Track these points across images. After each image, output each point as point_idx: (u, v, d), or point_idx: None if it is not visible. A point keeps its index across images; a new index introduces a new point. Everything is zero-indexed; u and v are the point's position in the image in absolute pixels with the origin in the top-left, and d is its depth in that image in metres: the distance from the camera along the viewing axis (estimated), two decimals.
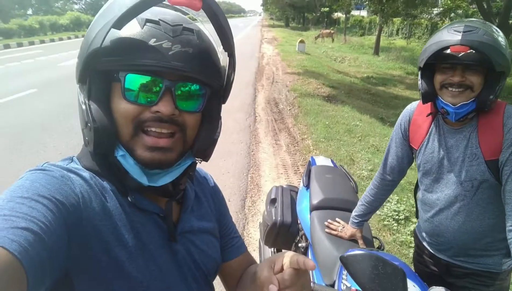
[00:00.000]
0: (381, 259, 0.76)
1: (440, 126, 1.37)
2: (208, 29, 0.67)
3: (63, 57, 14.33)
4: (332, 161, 2.37)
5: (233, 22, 61.88)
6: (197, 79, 0.62)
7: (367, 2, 17.52)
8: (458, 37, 1.15)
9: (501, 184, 1.23)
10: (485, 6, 9.26)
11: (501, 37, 1.15)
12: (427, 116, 1.39)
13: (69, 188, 0.56)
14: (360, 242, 1.66)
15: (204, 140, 0.68)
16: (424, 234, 1.56)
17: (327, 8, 34.33)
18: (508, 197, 1.20)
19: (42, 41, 21.96)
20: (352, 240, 1.67)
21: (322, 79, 10.49)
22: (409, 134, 1.48)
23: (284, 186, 2.25)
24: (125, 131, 0.61)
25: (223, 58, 0.69)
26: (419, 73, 1.33)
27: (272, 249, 2.21)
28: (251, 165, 4.69)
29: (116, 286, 0.58)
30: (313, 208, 1.87)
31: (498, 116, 1.23)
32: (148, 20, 0.59)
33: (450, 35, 1.18)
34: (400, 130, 1.52)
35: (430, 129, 1.40)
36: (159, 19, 0.60)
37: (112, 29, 0.56)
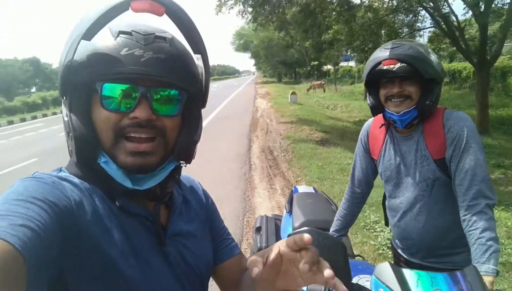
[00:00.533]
0: (322, 233, 0.85)
1: (393, 135, 1.51)
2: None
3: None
4: (314, 189, 2.47)
5: (228, 82, 64.67)
6: (171, 84, 0.64)
7: (352, 53, 18.59)
8: (386, 53, 1.33)
9: (451, 180, 1.34)
10: (463, 46, 9.83)
11: (425, 50, 1.33)
12: (380, 127, 1.53)
13: (60, 192, 0.57)
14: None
15: (183, 142, 0.70)
16: (397, 241, 1.63)
17: (317, 62, 36.15)
18: (458, 190, 1.30)
19: (45, 115, 23.06)
20: None
21: (315, 126, 10.81)
22: (369, 147, 1.62)
23: (269, 216, 2.33)
24: (106, 139, 0.63)
25: (199, 64, 0.71)
26: (367, 90, 1.51)
27: None
28: (247, 209, 4.73)
29: (110, 286, 0.59)
30: (295, 230, 1.94)
31: (438, 120, 1.38)
32: (121, 32, 0.62)
33: (381, 52, 1.36)
34: (361, 145, 1.65)
35: (385, 140, 1.54)
36: (131, 30, 0.62)
37: (86, 42, 0.59)
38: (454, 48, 12.93)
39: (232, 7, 11.30)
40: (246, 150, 8.30)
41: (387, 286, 0.89)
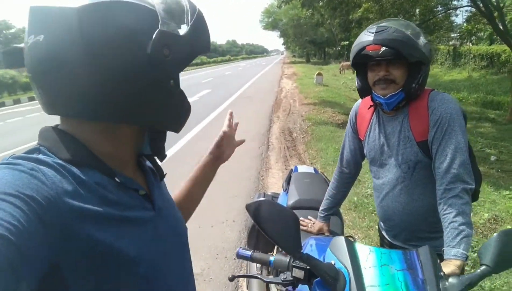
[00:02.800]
0: (277, 204, 0.90)
1: (380, 116, 1.51)
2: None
3: None
4: (314, 169, 2.49)
5: (256, 61, 64.11)
6: None
7: None
8: (370, 38, 1.32)
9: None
10: (501, 28, 9.26)
11: (412, 31, 1.31)
12: (368, 108, 1.54)
13: (39, 181, 0.51)
14: (327, 234, 1.76)
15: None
16: (381, 223, 1.66)
17: (347, 42, 35.04)
18: (436, 173, 1.30)
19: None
20: (320, 233, 1.78)
21: (338, 108, 10.65)
22: (357, 127, 1.63)
23: (268, 193, 2.39)
24: None
25: None
26: (355, 72, 1.51)
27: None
28: (259, 188, 4.82)
29: (108, 269, 0.57)
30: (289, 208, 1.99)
31: (423, 101, 1.37)
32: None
33: (365, 37, 1.35)
34: (350, 125, 1.67)
35: (371, 120, 1.55)
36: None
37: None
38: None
39: None
40: (266, 130, 8.35)
41: (338, 258, 0.94)
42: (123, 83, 0.59)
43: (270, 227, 0.88)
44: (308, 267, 0.99)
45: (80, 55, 0.56)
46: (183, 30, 0.64)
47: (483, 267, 0.88)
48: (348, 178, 1.76)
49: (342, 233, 1.87)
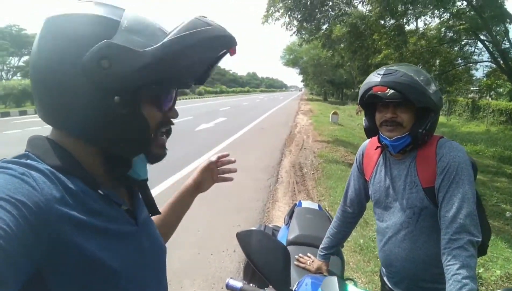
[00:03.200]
0: (268, 236, 0.89)
1: (387, 158, 1.51)
2: None
3: None
4: (319, 206, 2.46)
5: (274, 95, 65.14)
6: None
7: None
8: (378, 79, 1.34)
9: None
10: None
11: (422, 78, 1.32)
12: (375, 149, 1.54)
13: (30, 186, 0.51)
14: (325, 274, 1.70)
15: None
16: (383, 268, 1.60)
17: None
18: (442, 222, 1.27)
19: None
20: (319, 273, 1.72)
21: (351, 148, 10.60)
22: (363, 167, 1.62)
23: (269, 225, 2.35)
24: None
25: None
26: (364, 112, 1.53)
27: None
28: (264, 220, 4.75)
29: (91, 278, 0.58)
30: (288, 243, 1.95)
31: (432, 148, 1.36)
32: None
33: (373, 78, 1.38)
34: (356, 165, 1.66)
35: (378, 161, 1.54)
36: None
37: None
38: None
39: (278, 19, 11.37)
40: (277, 163, 8.33)
41: None
42: (63, 92, 0.59)
43: (259, 258, 0.86)
44: None
45: (35, 63, 0.60)
46: (148, 47, 0.58)
47: None
48: (351, 217, 1.72)
49: (341, 274, 1.81)
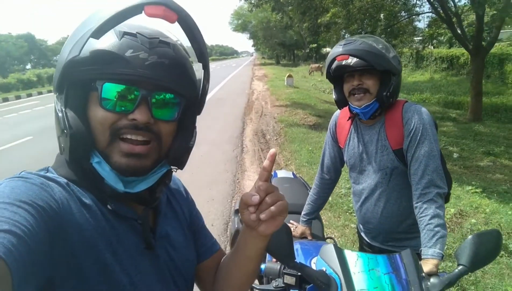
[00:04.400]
0: None
1: (358, 125, 1.60)
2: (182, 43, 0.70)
3: None
4: (293, 173, 2.56)
5: (226, 63, 63.95)
6: (172, 89, 0.65)
7: (348, 35, 18.41)
8: (340, 49, 1.43)
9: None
10: (459, 32, 9.82)
11: (381, 45, 1.41)
12: (347, 120, 1.62)
13: (49, 195, 0.55)
14: (309, 238, 1.82)
15: (178, 149, 0.70)
16: (360, 225, 1.74)
17: (315, 44, 35.77)
18: (412, 179, 1.40)
19: (40, 93, 22.85)
20: (303, 237, 1.84)
21: (309, 110, 10.86)
22: (337, 136, 1.71)
23: None
24: (101, 139, 0.63)
25: (198, 71, 0.72)
26: (333, 85, 1.60)
27: None
28: (236, 191, 4.85)
29: (100, 290, 0.59)
30: None
31: (398, 112, 1.47)
32: (125, 33, 0.62)
33: (335, 49, 1.46)
34: (330, 134, 1.75)
35: (350, 129, 1.63)
36: (136, 32, 0.63)
37: (90, 40, 0.58)
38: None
39: None
40: (240, 133, 8.37)
41: (329, 265, 1.00)
42: None
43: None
44: (299, 274, 1.04)
45: None
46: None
47: (460, 267, 0.97)
48: (329, 183, 1.83)
49: (323, 236, 1.94)
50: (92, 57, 0.60)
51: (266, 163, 0.66)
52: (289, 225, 1.89)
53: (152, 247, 0.69)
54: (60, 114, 0.62)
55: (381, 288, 0.93)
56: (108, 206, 0.64)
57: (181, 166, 0.72)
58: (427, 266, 1.21)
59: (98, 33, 0.58)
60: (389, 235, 1.61)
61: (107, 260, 0.60)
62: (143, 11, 0.58)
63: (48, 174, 0.62)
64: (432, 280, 0.97)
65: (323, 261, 1.02)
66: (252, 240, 0.72)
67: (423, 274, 1.00)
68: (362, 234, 1.76)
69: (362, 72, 1.43)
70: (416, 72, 23.22)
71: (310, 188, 2.32)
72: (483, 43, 9.84)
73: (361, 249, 1.82)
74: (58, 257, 0.53)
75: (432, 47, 21.41)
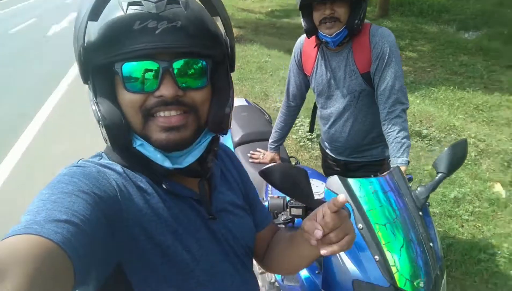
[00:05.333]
0: (287, 166, 0.95)
1: (324, 52, 1.62)
2: None
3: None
4: (246, 100, 2.56)
5: None
6: (193, 52, 0.60)
7: None
8: None
9: (374, 90, 1.54)
10: None
11: None
12: (314, 47, 1.61)
13: (106, 182, 0.56)
14: (279, 162, 1.92)
15: (217, 114, 0.66)
16: (326, 143, 1.89)
17: None
18: (379, 99, 1.52)
19: None
20: (273, 162, 1.92)
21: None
22: (302, 64, 1.72)
23: None
24: (136, 121, 0.61)
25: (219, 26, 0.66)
26: (301, 13, 1.54)
27: None
28: None
29: (164, 271, 0.60)
30: (236, 145, 2.07)
31: (365, 36, 1.51)
32: (130, 3, 0.56)
33: None
34: (295, 62, 1.74)
35: (317, 57, 1.65)
36: None
37: (95, 23, 0.55)
38: None
39: None
40: None
41: (337, 194, 1.09)
42: None
43: (286, 186, 0.92)
44: (304, 205, 1.12)
45: None
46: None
47: (440, 175, 1.14)
48: (295, 110, 1.88)
49: (288, 158, 2.05)
50: (101, 40, 0.56)
51: (339, 200, 0.57)
52: (257, 153, 1.95)
53: (214, 218, 0.70)
54: (93, 107, 0.60)
55: (385, 204, 1.07)
56: (163, 186, 0.64)
57: (224, 131, 0.69)
58: None
59: (94, 14, 0.55)
60: (355, 149, 1.77)
61: (168, 241, 0.61)
62: None
63: (102, 161, 0.63)
64: (419, 189, 1.14)
65: (331, 191, 1.11)
66: (308, 246, 0.68)
67: (410, 186, 1.15)
68: (327, 151, 1.91)
69: (333, 0, 1.40)
70: None
71: (266, 113, 2.37)
72: None
73: (325, 163, 1.98)
74: (121, 243, 0.55)
75: None
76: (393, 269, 0.98)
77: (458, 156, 1.14)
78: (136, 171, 0.63)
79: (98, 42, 0.56)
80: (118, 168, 0.62)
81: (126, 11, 0.55)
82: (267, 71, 5.86)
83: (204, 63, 0.62)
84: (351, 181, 1.12)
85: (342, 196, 0.58)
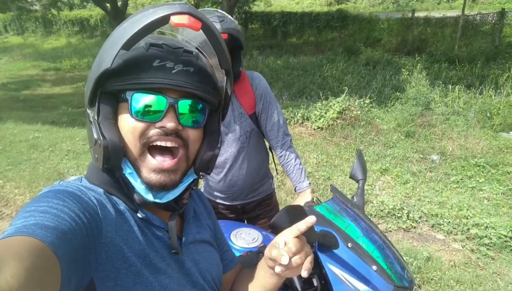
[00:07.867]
0: (297, 207, 0.91)
1: None
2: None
3: None
4: None
5: None
6: (198, 96, 0.67)
7: None
8: (218, 26, 1.38)
9: (260, 130, 1.70)
10: None
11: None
12: None
13: (88, 199, 0.59)
14: None
15: (205, 155, 0.73)
16: (216, 193, 1.83)
17: None
18: (270, 134, 1.69)
19: None
20: None
21: None
22: None
23: None
24: (133, 149, 0.65)
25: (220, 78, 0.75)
26: None
27: None
28: None
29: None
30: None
31: (245, 80, 1.65)
32: (152, 44, 0.64)
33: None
34: None
35: None
36: (162, 43, 0.65)
37: (120, 52, 0.60)
38: None
39: None
40: None
41: (319, 226, 1.13)
42: None
43: None
44: None
45: None
46: None
47: (360, 182, 1.37)
48: None
49: None
50: (122, 69, 0.62)
51: (303, 227, 0.66)
52: None
53: (178, 253, 0.72)
54: (93, 126, 0.64)
55: (351, 220, 1.21)
56: (139, 214, 0.68)
57: (208, 171, 0.76)
58: (306, 196, 1.60)
59: (128, 45, 0.60)
60: (250, 188, 1.80)
61: (138, 265, 0.63)
62: (169, 21, 0.60)
63: (83, 183, 0.66)
64: (355, 198, 1.34)
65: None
66: (270, 276, 0.76)
67: (348, 197, 1.34)
68: (218, 200, 1.84)
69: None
70: (50, 38, 21.40)
71: None
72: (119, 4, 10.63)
73: (217, 215, 1.89)
74: (98, 259, 0.57)
75: (57, 10, 20.16)
76: (388, 272, 1.11)
77: (363, 161, 1.43)
78: (114, 196, 0.66)
79: (121, 69, 0.62)
80: (99, 190, 0.65)
81: (148, 50, 0.63)
82: (44, 148, 4.91)
83: (203, 106, 0.70)
84: (316, 211, 1.20)
85: (313, 217, 0.66)
